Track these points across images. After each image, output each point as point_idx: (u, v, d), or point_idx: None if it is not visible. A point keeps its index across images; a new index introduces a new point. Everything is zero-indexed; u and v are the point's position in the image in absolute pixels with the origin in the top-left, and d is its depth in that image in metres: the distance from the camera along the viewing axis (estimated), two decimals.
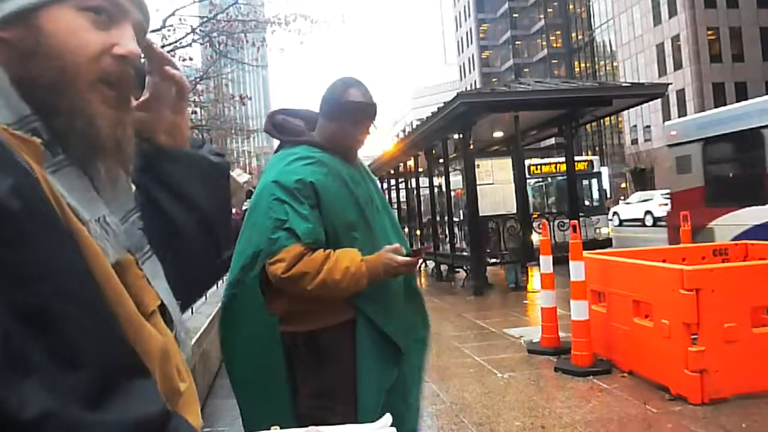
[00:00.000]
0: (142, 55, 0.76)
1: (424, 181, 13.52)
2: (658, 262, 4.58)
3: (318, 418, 1.74)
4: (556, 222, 10.54)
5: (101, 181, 0.70)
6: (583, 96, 9.70)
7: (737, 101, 39.32)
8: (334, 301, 1.83)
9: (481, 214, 9.66)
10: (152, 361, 0.64)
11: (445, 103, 9.60)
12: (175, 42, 12.17)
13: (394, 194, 16.86)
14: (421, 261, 2.07)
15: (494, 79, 65.11)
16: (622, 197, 47.62)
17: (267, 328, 1.95)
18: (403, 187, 15.70)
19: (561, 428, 3.50)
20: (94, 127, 0.67)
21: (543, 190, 14.57)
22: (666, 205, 18.34)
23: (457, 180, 11.84)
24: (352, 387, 1.83)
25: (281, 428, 0.79)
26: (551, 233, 7.47)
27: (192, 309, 5.19)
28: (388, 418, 0.79)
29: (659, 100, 18.77)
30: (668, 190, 12.76)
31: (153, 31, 11.81)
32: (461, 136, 9.87)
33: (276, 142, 2.03)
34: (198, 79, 16.32)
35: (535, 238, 9.08)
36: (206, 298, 6.07)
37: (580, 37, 58.24)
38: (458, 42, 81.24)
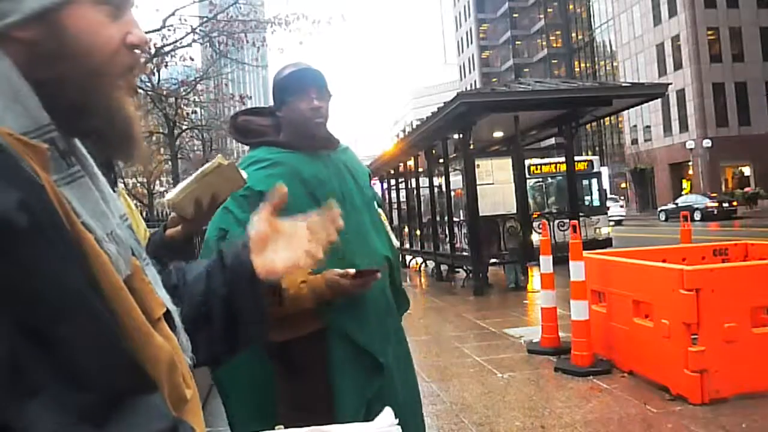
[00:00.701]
0: None
1: (424, 181, 13.53)
2: (658, 262, 4.58)
3: None
4: (556, 222, 10.54)
5: (101, 186, 0.69)
6: (583, 96, 9.71)
7: (737, 101, 39.00)
8: (301, 311, 1.72)
9: (481, 214, 9.66)
10: (160, 371, 0.64)
11: (445, 103, 9.60)
12: (175, 42, 12.18)
13: (394, 194, 16.87)
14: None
15: (494, 79, 65.13)
16: (622, 197, 47.71)
17: None
18: (403, 187, 15.70)
19: (561, 428, 3.50)
20: (131, 125, 0.67)
21: (543, 190, 14.55)
22: None
23: (457, 180, 11.84)
24: (328, 401, 1.72)
25: (285, 428, 0.79)
26: (551, 233, 7.47)
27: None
28: (390, 414, 0.78)
29: (659, 100, 18.77)
30: None
31: (153, 31, 11.83)
32: (461, 136, 9.87)
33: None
34: (198, 79, 16.33)
35: (535, 238, 9.08)
36: None
37: (580, 37, 58.24)
38: (458, 42, 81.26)
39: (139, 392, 0.57)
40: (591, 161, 15.42)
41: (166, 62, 12.66)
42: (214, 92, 18.68)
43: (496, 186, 10.60)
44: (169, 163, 18.56)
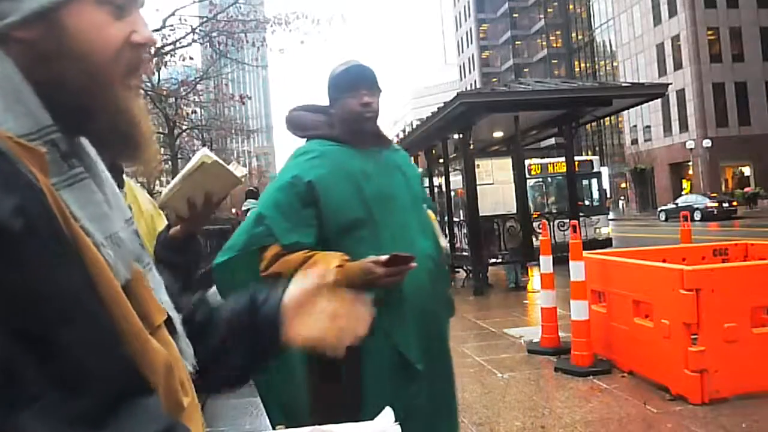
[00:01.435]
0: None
1: (424, 181, 13.52)
2: (658, 262, 4.58)
3: None
4: (556, 222, 10.54)
5: (106, 188, 0.69)
6: (583, 96, 9.71)
7: (737, 101, 38.96)
8: None
9: (481, 214, 9.66)
10: (157, 377, 0.63)
11: (445, 103, 9.60)
12: (175, 42, 12.17)
13: None
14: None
15: (494, 79, 65.16)
16: (622, 197, 47.74)
17: None
18: None
19: (561, 428, 3.50)
20: (135, 124, 0.66)
21: (543, 190, 14.54)
22: None
23: (457, 180, 11.84)
24: (359, 404, 1.67)
25: (286, 428, 0.79)
26: (551, 233, 7.46)
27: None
28: (390, 414, 0.77)
29: (659, 100, 18.77)
30: None
31: (153, 31, 11.79)
32: (461, 136, 9.88)
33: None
34: (198, 79, 16.33)
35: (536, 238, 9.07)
36: None
37: (580, 37, 58.24)
38: (458, 42, 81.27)
39: (135, 395, 0.57)
40: (591, 161, 15.39)
41: (166, 62, 12.67)
42: (214, 92, 18.69)
43: (496, 186, 10.59)
44: (169, 163, 18.54)
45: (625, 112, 19.02)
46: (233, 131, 25.58)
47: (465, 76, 77.77)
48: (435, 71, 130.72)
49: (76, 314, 0.54)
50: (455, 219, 11.54)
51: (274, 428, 1.79)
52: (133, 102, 0.67)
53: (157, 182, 22.88)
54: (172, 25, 11.91)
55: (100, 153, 0.70)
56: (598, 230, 13.26)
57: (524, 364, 4.92)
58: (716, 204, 28.40)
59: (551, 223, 9.77)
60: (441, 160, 11.54)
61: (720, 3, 38.98)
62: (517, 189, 10.16)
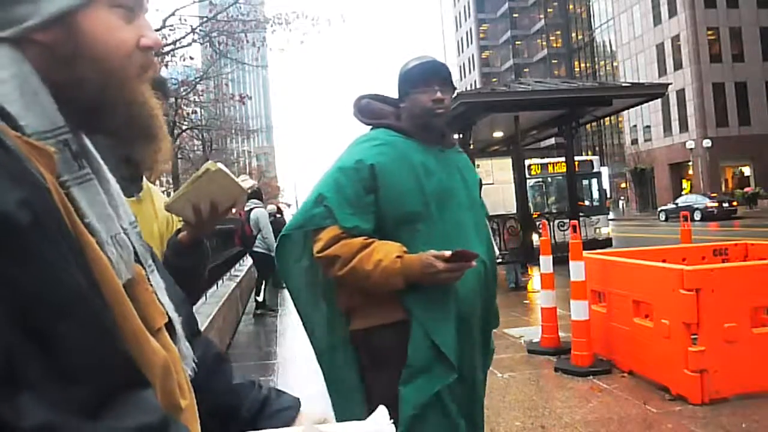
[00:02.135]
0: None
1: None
2: (658, 262, 4.57)
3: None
4: (556, 222, 10.54)
5: (111, 190, 0.71)
6: (583, 96, 9.72)
7: (737, 101, 38.92)
8: (385, 297, 1.69)
9: None
10: (153, 377, 0.64)
11: None
12: (175, 42, 12.18)
13: None
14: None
15: (494, 79, 65.18)
16: (622, 197, 47.74)
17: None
18: None
19: (561, 428, 3.50)
20: (152, 118, 0.69)
21: (543, 190, 14.54)
22: None
23: None
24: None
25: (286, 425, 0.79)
26: (551, 233, 7.46)
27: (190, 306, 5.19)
28: (385, 412, 0.77)
29: (659, 100, 18.78)
30: None
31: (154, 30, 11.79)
32: (461, 136, 9.89)
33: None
34: (198, 79, 16.34)
35: (536, 237, 9.07)
36: (206, 298, 6.07)
37: (580, 37, 58.25)
38: (458, 42, 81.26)
39: (131, 387, 0.58)
40: (591, 161, 15.36)
41: (166, 62, 12.67)
42: (214, 92, 18.69)
43: (496, 186, 10.57)
44: (169, 163, 18.55)
45: (625, 112, 19.04)
46: (233, 131, 25.58)
47: (465, 76, 77.77)
48: None
49: (78, 307, 0.55)
50: None
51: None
52: (148, 98, 0.70)
53: (157, 182, 22.87)
54: (172, 25, 11.92)
55: (120, 149, 0.72)
56: (598, 230, 13.25)
57: (524, 364, 4.92)
58: (716, 204, 28.39)
59: (551, 223, 9.77)
60: None
61: (720, 3, 38.97)
62: (517, 189, 10.16)
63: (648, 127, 44.07)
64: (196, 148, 23.83)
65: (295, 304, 1.94)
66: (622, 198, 48.52)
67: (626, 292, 4.39)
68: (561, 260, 5.31)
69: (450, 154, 1.87)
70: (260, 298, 8.59)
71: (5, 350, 0.50)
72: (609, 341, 4.60)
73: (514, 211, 10.13)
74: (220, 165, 1.43)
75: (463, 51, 79.37)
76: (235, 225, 8.65)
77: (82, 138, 0.69)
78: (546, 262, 5.36)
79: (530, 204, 13.08)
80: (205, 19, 12.61)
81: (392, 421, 0.75)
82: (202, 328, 4.92)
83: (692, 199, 30.10)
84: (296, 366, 5.44)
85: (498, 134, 11.81)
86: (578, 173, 13.64)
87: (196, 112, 18.25)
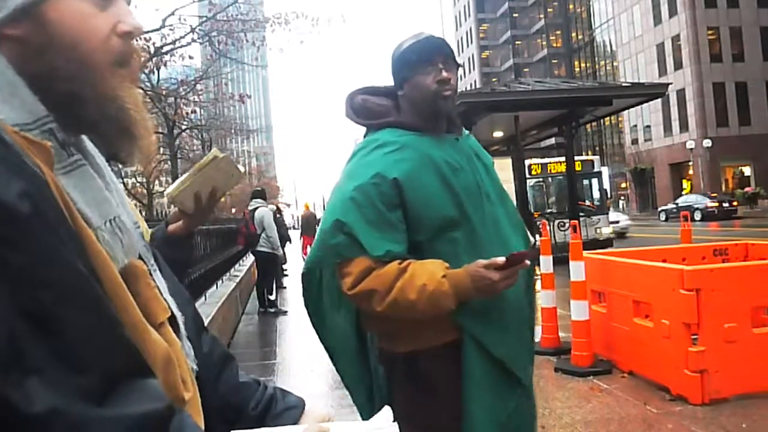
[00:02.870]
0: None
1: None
2: (659, 262, 4.57)
3: None
4: (557, 222, 10.53)
5: (107, 179, 0.71)
6: (583, 96, 9.72)
7: (738, 101, 38.77)
8: (433, 318, 1.48)
9: None
10: (155, 368, 0.64)
11: None
12: (175, 41, 12.17)
13: None
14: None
15: (494, 79, 65.14)
16: (622, 197, 47.74)
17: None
18: None
19: (561, 428, 3.49)
20: (125, 111, 0.68)
21: (543, 190, 14.51)
22: None
23: None
24: (460, 423, 1.49)
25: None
26: (551, 233, 7.45)
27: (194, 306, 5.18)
28: (389, 412, 0.76)
29: (659, 99, 18.78)
30: None
31: (153, 30, 11.82)
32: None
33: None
34: (197, 79, 16.33)
35: (537, 237, 9.02)
36: (206, 298, 6.07)
37: (580, 37, 58.23)
38: (458, 42, 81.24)
39: (136, 375, 0.59)
40: (592, 161, 15.33)
41: (166, 62, 12.67)
42: (214, 92, 18.68)
43: None
44: (169, 162, 18.55)
45: (625, 112, 19.04)
46: (233, 131, 25.56)
47: (465, 76, 77.75)
48: None
49: (81, 293, 0.56)
50: None
51: None
52: (124, 90, 0.68)
53: (157, 182, 22.90)
54: (171, 25, 11.91)
55: (97, 145, 0.72)
56: (598, 230, 13.23)
57: None
58: (716, 204, 28.38)
59: (552, 223, 9.77)
60: None
61: (720, 3, 38.96)
62: (517, 189, 10.16)
63: (648, 127, 44.06)
64: (195, 148, 23.82)
65: (330, 355, 1.74)
66: (623, 198, 48.52)
67: (626, 292, 4.38)
68: (561, 260, 5.30)
69: (464, 141, 1.65)
70: (273, 297, 8.66)
71: (11, 336, 0.50)
72: (609, 341, 4.60)
73: None
74: (221, 153, 1.42)
75: (463, 51, 79.35)
76: (239, 224, 8.67)
77: (68, 128, 0.68)
78: (546, 262, 5.35)
79: (530, 204, 13.08)
80: (204, 18, 12.61)
81: (395, 420, 0.75)
82: None
83: (692, 199, 30.09)
84: (296, 366, 5.43)
85: (498, 134, 11.81)
86: (579, 173, 13.60)
87: (195, 112, 18.23)
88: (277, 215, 11.44)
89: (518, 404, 1.56)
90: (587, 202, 14.20)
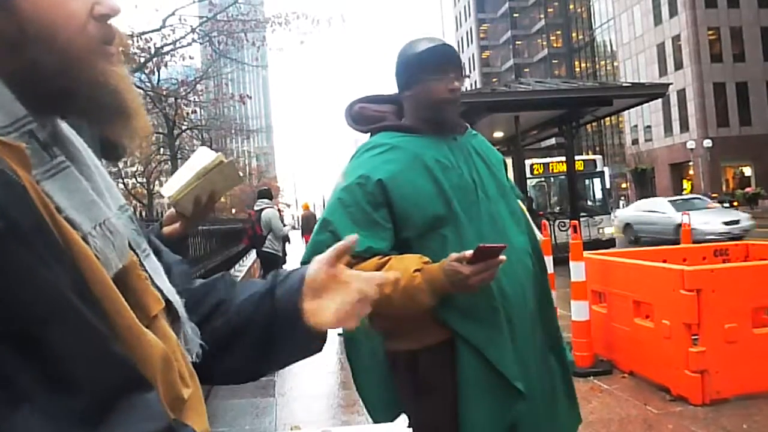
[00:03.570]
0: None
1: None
2: (659, 262, 4.56)
3: None
4: (558, 222, 10.51)
5: (95, 175, 0.68)
6: (584, 96, 9.72)
7: (738, 101, 38.68)
8: (424, 316, 1.49)
9: None
10: (153, 371, 0.63)
11: None
12: (175, 41, 12.17)
13: None
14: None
15: (494, 79, 65.13)
16: (623, 197, 47.73)
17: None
18: None
19: None
20: (118, 95, 0.65)
21: (545, 190, 14.42)
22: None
23: None
24: (456, 423, 1.49)
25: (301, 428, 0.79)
26: (551, 233, 7.44)
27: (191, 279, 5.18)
28: (404, 420, 0.76)
29: (660, 100, 18.78)
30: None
31: (153, 30, 11.83)
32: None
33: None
34: (198, 79, 16.33)
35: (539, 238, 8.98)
36: None
37: (580, 37, 58.24)
38: (458, 42, 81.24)
39: (133, 392, 0.56)
40: (594, 160, 15.13)
41: (166, 62, 12.67)
42: (214, 92, 18.68)
43: None
44: (169, 163, 18.55)
45: (626, 112, 19.02)
46: (233, 131, 25.58)
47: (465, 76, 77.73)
48: None
49: (65, 313, 0.53)
50: None
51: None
52: (112, 72, 0.65)
53: (157, 182, 22.90)
54: (171, 25, 11.92)
55: (93, 130, 0.69)
56: (601, 230, 13.06)
57: None
58: (717, 204, 28.38)
59: (554, 223, 9.75)
60: None
61: (721, 3, 38.95)
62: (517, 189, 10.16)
63: (648, 127, 44.05)
64: (195, 148, 23.84)
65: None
66: (623, 198, 48.50)
67: (627, 292, 4.38)
68: (563, 260, 5.29)
69: (465, 140, 1.66)
70: None
71: None
72: (609, 342, 4.59)
73: None
74: (215, 153, 1.42)
75: (463, 51, 79.32)
76: (245, 225, 8.69)
77: (53, 125, 0.65)
78: (546, 262, 5.35)
79: (534, 204, 13.01)
80: (204, 18, 12.61)
81: (410, 426, 0.74)
82: None
83: None
84: (297, 366, 5.42)
85: (498, 134, 11.80)
86: (581, 173, 13.52)
87: (195, 112, 18.24)
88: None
89: (524, 419, 1.49)
90: (589, 202, 14.06)
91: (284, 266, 12.20)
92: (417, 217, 1.52)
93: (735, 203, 29.64)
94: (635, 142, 45.91)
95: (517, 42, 69.82)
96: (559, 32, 62.85)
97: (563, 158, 12.75)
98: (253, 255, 11.86)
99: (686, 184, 41.26)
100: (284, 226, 9.63)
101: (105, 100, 0.64)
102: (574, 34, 59.80)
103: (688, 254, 5.15)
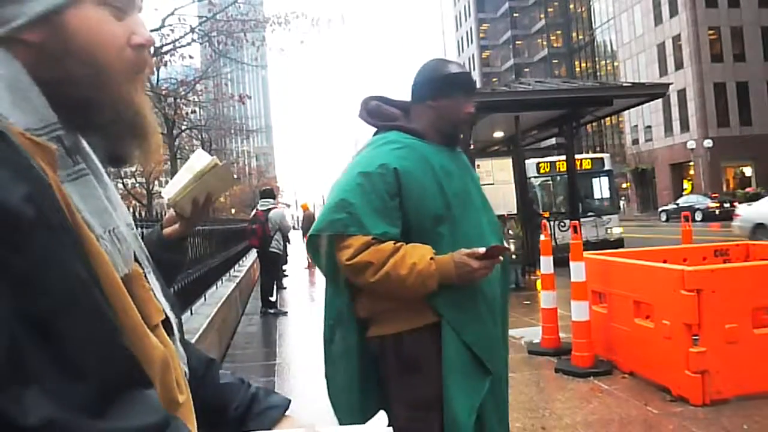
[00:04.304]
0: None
1: None
2: (659, 262, 4.56)
3: (415, 431, 1.66)
4: (558, 223, 10.48)
5: (108, 187, 0.72)
6: (584, 96, 9.69)
7: (738, 101, 38.69)
8: (413, 301, 1.69)
9: None
10: (153, 371, 0.65)
11: None
12: (175, 41, 12.17)
13: None
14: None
15: (494, 79, 65.15)
16: (623, 197, 47.71)
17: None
18: None
19: (561, 429, 3.48)
20: (139, 115, 0.70)
21: (551, 189, 13.77)
22: None
23: None
24: (440, 398, 1.68)
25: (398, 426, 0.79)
26: (551, 233, 7.43)
27: (191, 310, 5.17)
28: (384, 417, 0.76)
29: (660, 100, 18.76)
30: None
31: (152, 30, 11.81)
32: (461, 136, 9.85)
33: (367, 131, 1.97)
34: (197, 79, 16.33)
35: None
36: (205, 299, 6.06)
37: (580, 36, 58.23)
38: (458, 42, 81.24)
39: (135, 386, 0.59)
40: (602, 159, 14.53)
41: (166, 62, 12.66)
42: (214, 92, 18.68)
43: (496, 186, 10.52)
44: (168, 163, 18.55)
45: (626, 112, 19.01)
46: (232, 131, 25.59)
47: None
48: None
49: (80, 302, 0.56)
50: None
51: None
52: (138, 94, 0.70)
53: (156, 182, 22.89)
54: (171, 25, 11.92)
55: (107, 145, 0.73)
56: (609, 230, 12.70)
57: (525, 364, 4.90)
58: (717, 204, 28.37)
59: (558, 223, 9.72)
60: None
61: (721, 2, 38.94)
62: (517, 189, 10.14)
63: (649, 127, 44.03)
64: (195, 148, 23.83)
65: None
66: (623, 198, 48.52)
67: (627, 292, 4.38)
68: (565, 261, 5.28)
69: (459, 154, 1.90)
70: (273, 298, 8.67)
71: (11, 343, 0.50)
72: (610, 342, 4.59)
73: (515, 212, 10.11)
74: (211, 156, 1.47)
75: (463, 51, 79.34)
76: (250, 225, 8.70)
77: (76, 135, 0.69)
78: (546, 262, 5.34)
79: (539, 203, 12.84)
80: (204, 18, 12.61)
81: (389, 425, 0.75)
82: (201, 329, 4.86)
83: (693, 200, 30.07)
84: (296, 367, 5.42)
85: (498, 134, 11.77)
86: (589, 171, 13.30)
87: (195, 112, 18.24)
88: None
89: (489, 391, 1.72)
90: (597, 202, 13.59)
91: (285, 266, 12.20)
92: (421, 212, 1.70)
93: (735, 203, 29.63)
94: (635, 142, 45.89)
95: (517, 42, 69.80)
96: (559, 32, 62.82)
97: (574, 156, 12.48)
98: (253, 255, 11.87)
99: (686, 184, 41.25)
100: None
101: (126, 117, 0.69)
102: (574, 34, 59.77)
103: (688, 254, 5.15)
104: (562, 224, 10.16)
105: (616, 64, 49.15)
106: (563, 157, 13.82)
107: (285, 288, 11.39)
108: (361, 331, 1.80)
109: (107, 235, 0.66)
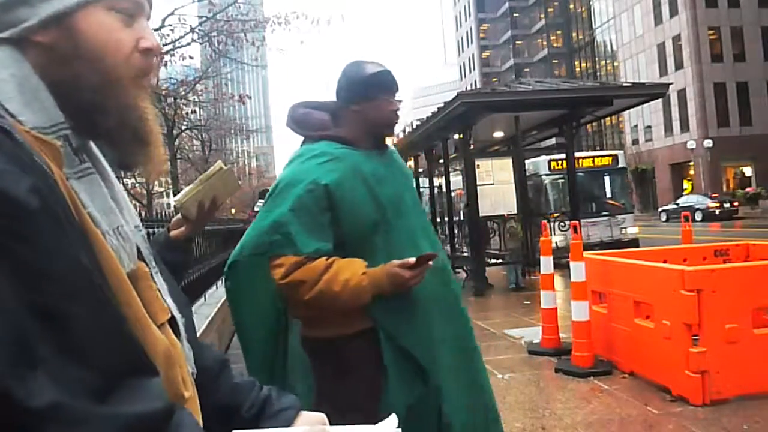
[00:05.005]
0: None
1: (424, 181, 13.48)
2: (659, 262, 4.56)
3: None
4: (558, 223, 10.47)
5: (114, 187, 0.74)
6: (584, 96, 9.68)
7: (738, 101, 38.63)
8: (356, 309, 1.70)
9: (481, 214, 9.64)
10: (156, 363, 0.66)
11: (445, 103, 9.58)
12: (175, 41, 12.17)
13: None
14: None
15: (494, 79, 65.13)
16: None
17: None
18: None
19: (561, 429, 3.48)
20: (142, 121, 0.71)
21: (561, 188, 12.96)
22: None
23: (457, 180, 11.80)
24: (378, 403, 1.68)
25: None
26: (551, 233, 7.41)
27: (191, 310, 5.17)
28: (394, 420, 0.77)
29: (660, 100, 18.74)
30: None
31: (153, 30, 11.79)
32: (461, 136, 9.86)
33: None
34: (197, 79, 16.32)
35: (558, 238, 8.81)
36: (205, 299, 6.05)
37: (580, 36, 58.20)
38: (458, 42, 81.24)
39: (140, 373, 0.60)
40: (616, 156, 13.90)
41: (166, 62, 12.66)
42: (214, 92, 18.68)
43: (496, 186, 10.51)
44: (168, 163, 18.58)
45: (626, 112, 18.99)
46: (233, 131, 25.60)
47: (465, 76, 77.74)
48: (435, 71, 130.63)
49: (86, 290, 0.57)
50: (455, 219, 11.51)
51: None
52: (144, 101, 0.72)
53: (156, 183, 22.89)
54: (171, 25, 11.91)
55: (111, 152, 0.75)
56: (624, 230, 12.32)
57: (525, 364, 4.90)
58: (717, 204, 28.36)
59: (554, 223, 9.70)
60: (441, 161, 11.52)
61: (721, 2, 38.92)
62: (517, 189, 10.14)
63: (649, 127, 44.02)
64: (195, 148, 23.82)
65: (237, 326, 1.99)
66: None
67: (627, 292, 4.37)
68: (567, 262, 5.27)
69: (387, 154, 1.87)
70: None
71: (19, 329, 0.51)
72: (610, 342, 4.59)
73: (515, 211, 10.11)
74: (225, 164, 1.54)
75: (463, 51, 79.33)
76: (245, 225, 8.69)
77: (84, 140, 0.71)
78: (546, 262, 5.34)
79: (551, 203, 12.64)
80: (204, 18, 12.61)
81: (399, 428, 0.75)
82: (201, 329, 4.86)
83: (693, 200, 30.06)
84: None
85: (498, 134, 11.77)
86: (602, 168, 13.07)
87: (195, 112, 18.25)
88: None
89: (424, 391, 1.73)
90: (610, 201, 13.11)
91: None
92: (355, 222, 1.71)
93: (735, 203, 29.62)
94: (635, 142, 45.87)
95: (517, 42, 69.77)
96: (559, 32, 62.79)
97: (584, 153, 12.19)
98: None
99: (686, 184, 41.24)
100: None
101: (131, 123, 0.70)
102: (574, 34, 59.75)
103: (688, 254, 5.15)
104: (562, 225, 10.14)
105: (616, 64, 49.14)
106: (577, 154, 13.33)
107: None
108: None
109: (113, 232, 0.68)
